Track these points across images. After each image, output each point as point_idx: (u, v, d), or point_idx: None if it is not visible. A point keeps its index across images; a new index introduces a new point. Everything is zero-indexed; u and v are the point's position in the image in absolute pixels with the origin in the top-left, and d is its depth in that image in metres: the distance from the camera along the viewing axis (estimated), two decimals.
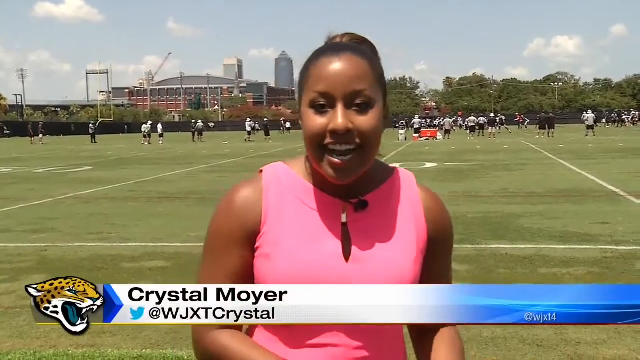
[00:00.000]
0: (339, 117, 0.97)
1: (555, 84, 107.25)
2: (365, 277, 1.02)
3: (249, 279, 1.08)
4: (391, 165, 1.18)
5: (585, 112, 42.40)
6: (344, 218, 1.06)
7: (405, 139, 37.82)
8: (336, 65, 0.99)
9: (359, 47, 1.05)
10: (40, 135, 46.23)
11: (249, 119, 49.69)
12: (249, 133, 44.20)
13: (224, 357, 1.03)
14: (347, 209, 1.06)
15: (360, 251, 1.04)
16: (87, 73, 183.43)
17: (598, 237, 6.90)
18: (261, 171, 1.13)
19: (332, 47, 1.04)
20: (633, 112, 67.43)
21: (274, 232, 1.05)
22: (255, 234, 1.06)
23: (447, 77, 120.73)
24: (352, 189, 1.06)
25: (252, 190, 1.08)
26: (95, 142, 44.18)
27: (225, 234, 1.08)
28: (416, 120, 41.83)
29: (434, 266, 1.12)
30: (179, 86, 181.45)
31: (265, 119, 55.54)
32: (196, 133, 45.22)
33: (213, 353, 1.04)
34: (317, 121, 0.99)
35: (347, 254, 1.04)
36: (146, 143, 40.90)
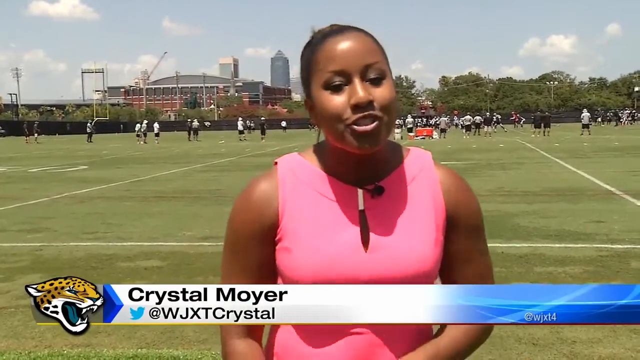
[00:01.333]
0: (359, 91, 0.98)
1: (551, 82, 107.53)
2: (385, 266, 1.02)
3: (270, 271, 1.09)
4: (407, 147, 1.17)
5: (582, 111, 42.57)
6: (361, 205, 1.06)
7: (402, 138, 37.88)
8: (345, 43, 1.01)
9: (358, 27, 1.07)
10: (36, 135, 46.09)
11: (240, 119, 49.89)
12: (241, 132, 44.24)
13: None
14: (364, 195, 1.06)
15: (378, 239, 1.04)
16: (82, 72, 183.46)
17: (594, 235, 6.92)
18: (276, 163, 1.13)
19: (333, 30, 1.05)
20: (627, 111, 67.66)
21: (293, 225, 1.06)
22: (274, 228, 1.07)
23: (443, 76, 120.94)
24: (368, 174, 1.07)
25: (268, 184, 1.09)
26: (91, 142, 44.05)
27: (244, 230, 1.09)
28: (409, 119, 41.78)
29: (457, 246, 1.10)
30: (175, 85, 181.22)
31: (263, 118, 55.62)
32: (192, 132, 45.20)
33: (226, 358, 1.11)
34: (336, 100, 0.99)
35: (366, 243, 1.04)
36: (141, 142, 40.80)
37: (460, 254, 1.11)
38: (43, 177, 16.39)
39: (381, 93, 0.99)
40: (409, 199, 1.08)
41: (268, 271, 1.09)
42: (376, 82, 1.00)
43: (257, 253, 1.09)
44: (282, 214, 1.07)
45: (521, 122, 60.67)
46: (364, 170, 1.06)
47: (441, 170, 1.12)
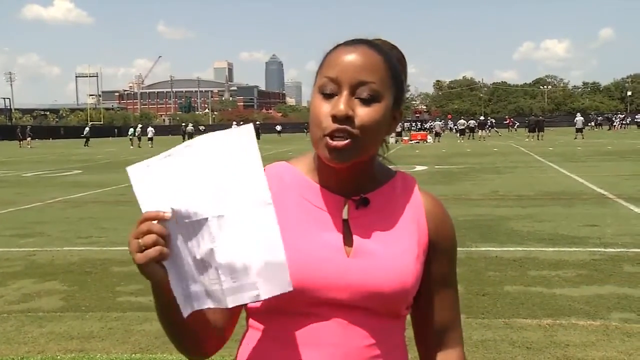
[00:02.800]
0: (341, 104, 0.99)
1: (545, 87, 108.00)
2: (366, 273, 1.01)
3: None
4: (393, 168, 1.18)
5: (576, 116, 42.84)
6: (345, 214, 1.06)
7: (396, 142, 37.96)
8: (349, 56, 1.02)
9: (378, 44, 1.07)
10: (29, 139, 45.91)
11: (234, 123, 50.19)
12: None
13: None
14: (349, 205, 1.07)
15: (361, 247, 1.03)
16: (76, 76, 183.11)
17: (587, 239, 6.94)
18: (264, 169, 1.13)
19: (351, 40, 1.07)
20: (620, 115, 68.13)
21: None
22: None
23: (437, 81, 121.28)
24: (354, 187, 1.07)
25: None
26: (87, 146, 43.93)
27: None
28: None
29: (434, 271, 1.11)
30: (169, 89, 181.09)
31: (258, 122, 55.81)
32: (186, 136, 45.25)
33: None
34: (322, 106, 1.01)
35: (348, 249, 1.03)
36: (135, 146, 40.78)
37: (441, 276, 1.12)
38: (36, 182, 16.33)
39: (366, 113, 1.00)
40: (393, 215, 1.08)
41: None
42: (366, 101, 1.00)
43: None
44: None
45: (515, 126, 61.22)
46: (349, 183, 1.07)
47: (425, 197, 1.13)
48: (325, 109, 1.01)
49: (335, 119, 0.99)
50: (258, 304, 1.04)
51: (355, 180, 1.07)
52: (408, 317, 1.13)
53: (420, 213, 1.10)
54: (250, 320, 1.09)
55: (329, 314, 1.01)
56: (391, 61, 1.05)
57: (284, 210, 1.06)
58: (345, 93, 1.00)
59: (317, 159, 1.09)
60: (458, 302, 1.17)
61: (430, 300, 1.12)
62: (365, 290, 1.00)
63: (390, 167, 1.18)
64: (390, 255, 1.03)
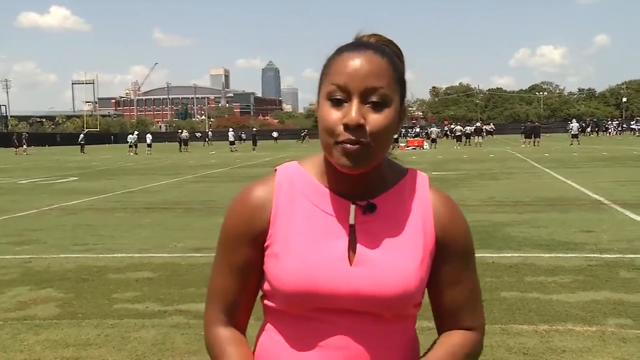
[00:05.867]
0: (353, 112, 1.00)
1: (541, 93, 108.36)
2: (369, 281, 1.03)
3: (256, 274, 1.13)
4: (405, 167, 1.19)
5: (569, 122, 43.15)
6: (351, 220, 1.08)
7: (393, 149, 37.92)
8: (356, 62, 1.02)
9: (381, 46, 1.07)
10: (24, 146, 45.82)
11: (231, 129, 50.41)
12: (232, 143, 44.57)
13: (213, 353, 1.14)
14: (356, 211, 1.08)
15: (365, 255, 1.05)
16: (72, 83, 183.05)
17: (583, 245, 6.96)
18: (276, 170, 1.16)
19: (354, 44, 1.07)
20: (616, 122, 68.64)
21: (283, 232, 1.08)
22: (264, 234, 1.10)
23: (434, 87, 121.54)
24: (363, 191, 1.09)
25: (264, 190, 1.12)
26: (84, 153, 43.87)
27: (234, 232, 1.13)
28: None
29: (445, 271, 1.12)
30: (166, 96, 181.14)
31: (254, 129, 55.99)
32: (182, 143, 45.26)
33: (210, 345, 1.16)
34: (332, 114, 1.02)
35: (352, 257, 1.05)
36: (132, 153, 40.73)
37: (449, 276, 1.13)
38: (32, 189, 16.28)
39: (376, 120, 1.01)
40: (399, 219, 1.09)
41: (254, 274, 1.13)
42: (376, 107, 1.01)
43: (244, 255, 1.12)
44: (274, 221, 1.09)
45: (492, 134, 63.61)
46: (358, 186, 1.08)
47: (435, 195, 1.14)
48: (335, 116, 1.02)
49: (347, 127, 1.00)
50: (273, 304, 1.10)
51: (365, 183, 1.08)
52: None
53: (428, 214, 1.11)
54: (267, 317, 1.15)
55: (335, 319, 1.05)
56: (395, 62, 1.06)
57: (293, 218, 1.09)
58: (355, 101, 1.01)
59: (327, 162, 1.10)
60: (476, 291, 1.18)
61: (442, 296, 1.14)
62: (368, 297, 1.03)
63: (401, 164, 1.19)
64: (392, 263, 1.05)
